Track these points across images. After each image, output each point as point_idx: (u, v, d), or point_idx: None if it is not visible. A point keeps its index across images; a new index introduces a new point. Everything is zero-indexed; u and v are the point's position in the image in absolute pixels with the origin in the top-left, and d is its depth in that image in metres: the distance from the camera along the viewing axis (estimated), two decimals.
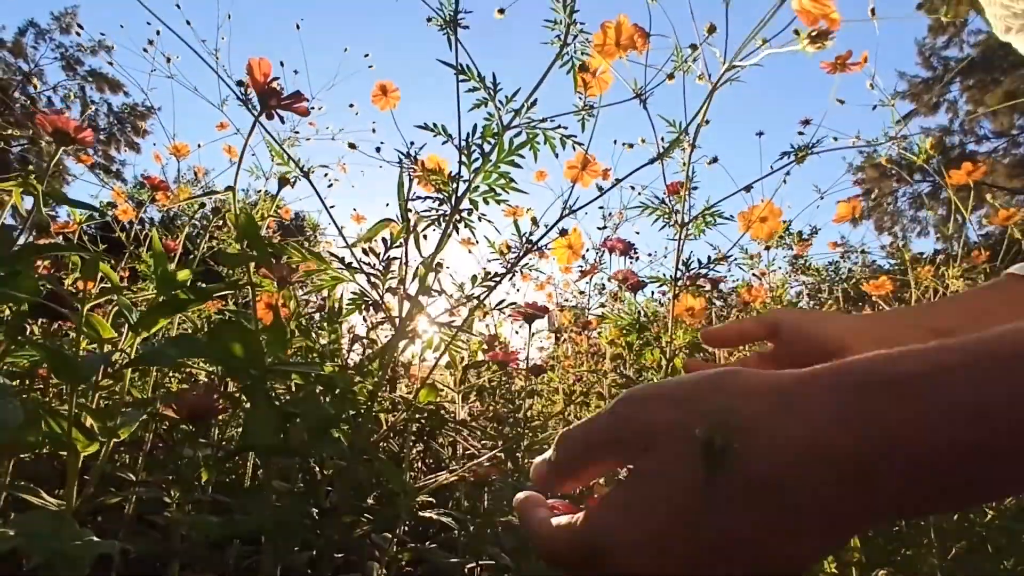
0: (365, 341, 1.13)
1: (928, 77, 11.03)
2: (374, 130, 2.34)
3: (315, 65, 2.06)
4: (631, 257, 1.66)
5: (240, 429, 0.70)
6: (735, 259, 1.06)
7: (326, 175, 1.82)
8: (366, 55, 1.76)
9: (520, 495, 0.33)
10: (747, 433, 0.23)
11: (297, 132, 2.04)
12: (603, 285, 2.03)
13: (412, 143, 0.91)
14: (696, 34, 0.87)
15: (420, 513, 0.64)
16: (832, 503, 0.22)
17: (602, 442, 0.29)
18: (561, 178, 1.15)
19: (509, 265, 0.76)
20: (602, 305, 1.88)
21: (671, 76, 0.92)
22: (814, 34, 0.67)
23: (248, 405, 0.62)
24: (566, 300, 2.19)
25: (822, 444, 0.22)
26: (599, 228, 2.04)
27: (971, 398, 0.20)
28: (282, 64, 1.67)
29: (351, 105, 1.81)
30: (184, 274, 0.64)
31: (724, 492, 0.23)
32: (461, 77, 0.77)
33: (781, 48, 0.74)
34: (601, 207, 1.96)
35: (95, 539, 0.43)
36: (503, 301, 0.79)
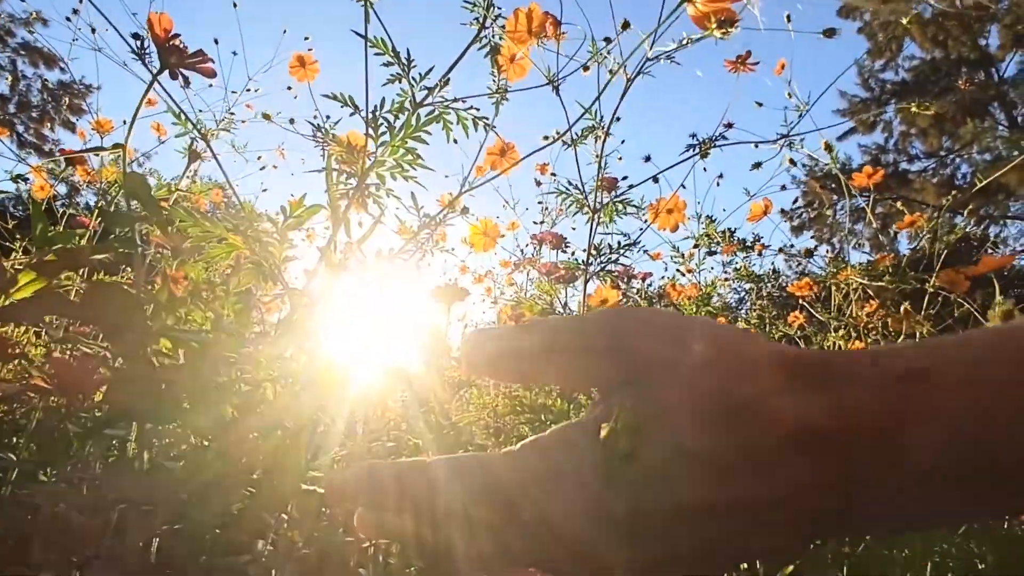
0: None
1: (866, 97, 11.61)
2: (316, 115, 2.29)
3: (253, 45, 2.00)
4: (564, 251, 1.68)
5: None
6: (648, 254, 1.08)
7: (259, 158, 1.77)
8: (306, 37, 1.72)
9: None
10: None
11: (232, 114, 1.97)
12: (540, 283, 2.04)
13: (328, 117, 0.89)
14: (613, 27, 0.89)
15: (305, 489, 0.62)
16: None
17: (587, 352, 0.25)
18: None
19: (414, 237, 0.76)
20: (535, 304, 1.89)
21: (586, 68, 0.94)
22: (720, 20, 0.69)
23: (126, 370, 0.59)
24: (502, 293, 2.19)
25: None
26: (536, 223, 2.06)
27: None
28: (216, 42, 1.62)
29: (288, 88, 1.76)
30: (63, 236, 0.60)
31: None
32: (375, 50, 0.76)
33: (695, 37, 0.76)
34: (540, 201, 1.98)
35: None
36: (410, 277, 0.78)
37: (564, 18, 0.85)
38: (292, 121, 0.96)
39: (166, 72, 0.75)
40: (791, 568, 1.02)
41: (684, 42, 0.75)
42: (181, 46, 0.73)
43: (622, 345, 0.24)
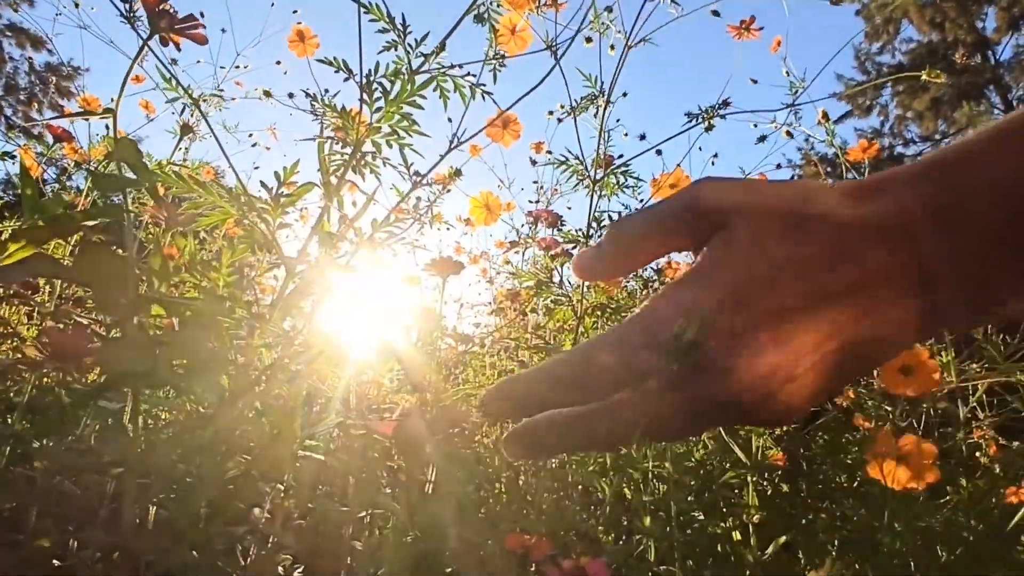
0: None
1: (863, 81, 11.57)
2: (306, 93, 2.26)
3: (240, 19, 1.97)
4: (559, 229, 1.67)
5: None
6: None
7: (250, 135, 1.75)
8: (295, 11, 1.69)
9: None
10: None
11: (222, 90, 1.95)
12: (536, 259, 2.04)
13: (327, 91, 0.88)
14: None
15: (300, 454, 0.62)
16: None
17: (675, 220, 0.29)
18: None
19: (406, 197, 0.76)
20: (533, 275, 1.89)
21: (589, 40, 0.93)
22: None
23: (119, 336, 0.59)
24: (498, 273, 2.19)
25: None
26: (531, 202, 2.05)
27: None
28: (202, 15, 1.58)
29: (278, 62, 1.74)
30: (53, 203, 0.59)
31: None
32: (370, 17, 0.74)
33: None
34: (535, 181, 1.96)
35: None
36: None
37: None
38: (291, 96, 0.95)
39: (155, 40, 0.74)
40: (784, 539, 1.03)
41: None
42: (171, 11, 0.72)
43: (704, 201, 0.28)
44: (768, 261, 0.26)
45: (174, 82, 0.68)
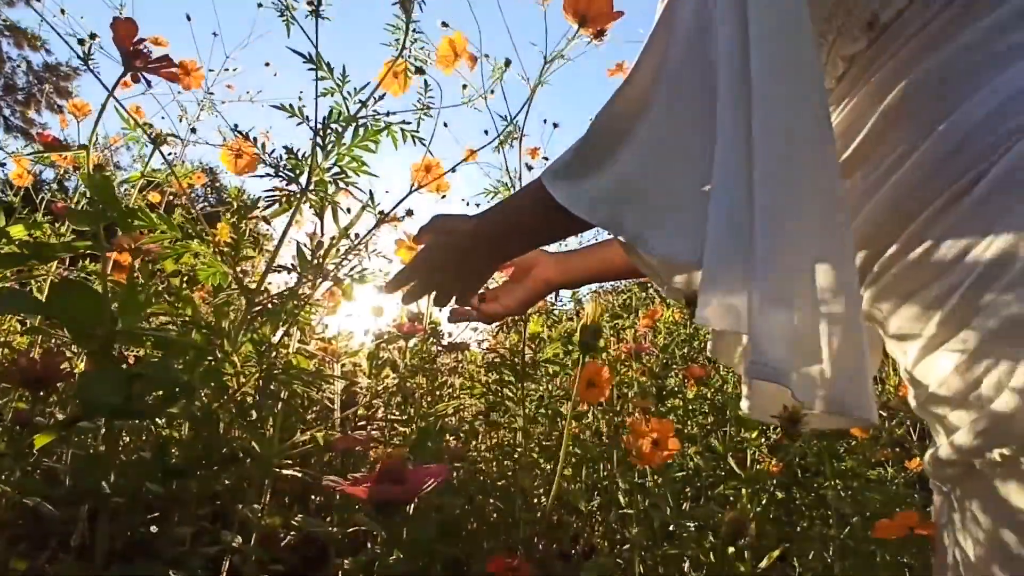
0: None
1: None
2: (300, 96, 2.25)
3: (229, 23, 1.96)
4: None
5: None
6: None
7: (244, 136, 1.74)
8: (281, 14, 1.67)
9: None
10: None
11: (212, 93, 1.93)
12: None
13: (236, 125, 0.93)
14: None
15: (280, 473, 0.62)
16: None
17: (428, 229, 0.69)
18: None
19: (360, 238, 0.78)
20: None
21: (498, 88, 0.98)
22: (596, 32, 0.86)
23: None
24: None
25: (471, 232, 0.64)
26: None
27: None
28: (188, 18, 1.57)
29: (267, 64, 1.72)
30: (18, 229, 0.59)
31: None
32: (309, 66, 0.77)
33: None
34: (478, 205, 2.02)
35: None
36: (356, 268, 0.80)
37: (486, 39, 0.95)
38: (194, 131, 0.97)
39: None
40: (778, 552, 1.02)
41: (564, 48, 0.91)
42: (145, 51, 0.71)
43: (438, 222, 0.68)
44: (442, 250, 0.67)
45: (132, 122, 0.69)
